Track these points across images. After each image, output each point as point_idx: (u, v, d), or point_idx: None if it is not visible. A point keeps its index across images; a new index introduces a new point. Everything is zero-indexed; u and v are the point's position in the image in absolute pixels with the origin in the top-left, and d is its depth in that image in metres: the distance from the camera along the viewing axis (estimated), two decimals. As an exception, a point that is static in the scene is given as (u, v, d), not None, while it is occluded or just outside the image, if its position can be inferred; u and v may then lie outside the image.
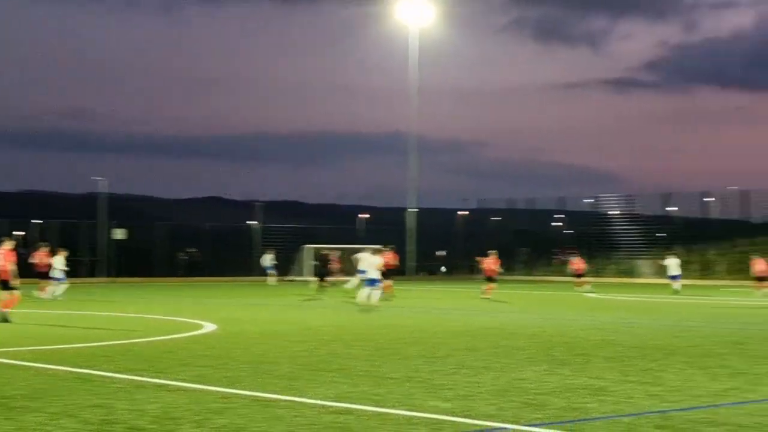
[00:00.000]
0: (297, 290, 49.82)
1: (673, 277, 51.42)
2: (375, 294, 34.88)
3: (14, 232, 78.47)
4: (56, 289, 40.89)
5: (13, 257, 27.66)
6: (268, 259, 65.57)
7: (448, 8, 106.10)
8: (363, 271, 37.18)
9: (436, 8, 71.43)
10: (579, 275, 54.33)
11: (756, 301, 41.39)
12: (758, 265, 48.23)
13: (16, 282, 27.37)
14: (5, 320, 26.52)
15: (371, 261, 35.84)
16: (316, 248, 60.13)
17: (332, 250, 51.23)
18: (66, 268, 41.79)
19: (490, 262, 43.67)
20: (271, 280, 63.97)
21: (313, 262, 47.38)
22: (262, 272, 74.59)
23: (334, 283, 46.09)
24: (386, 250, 44.56)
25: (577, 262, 55.30)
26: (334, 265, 49.08)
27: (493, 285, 42.84)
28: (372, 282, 35.02)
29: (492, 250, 44.79)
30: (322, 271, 44.84)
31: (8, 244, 27.89)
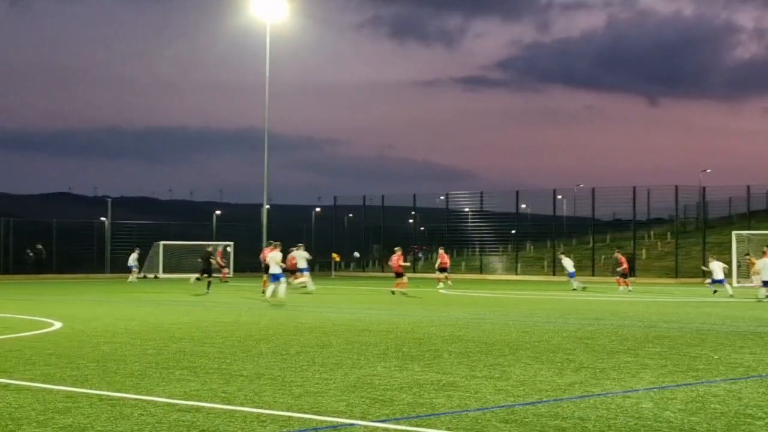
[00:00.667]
0: (150, 287, 49.20)
1: (571, 275, 53.43)
2: (281, 289, 35.76)
3: None
4: None
5: None
6: (132, 257, 65.41)
7: (304, 5, 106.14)
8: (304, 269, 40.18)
9: (292, 4, 71.20)
10: (443, 269, 54.72)
11: (607, 297, 42.34)
12: (624, 263, 52.06)
13: None
14: None
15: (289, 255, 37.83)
16: (205, 244, 59.18)
17: (215, 245, 51.19)
18: None
19: (397, 259, 44.90)
20: (132, 277, 63.66)
21: (199, 258, 47.09)
22: (115, 269, 73.73)
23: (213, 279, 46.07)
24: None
25: (443, 256, 55.51)
26: (218, 261, 48.84)
27: (404, 280, 44.30)
28: (276, 277, 35.94)
29: (397, 246, 47.16)
30: (205, 266, 44.90)
31: None
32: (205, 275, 44.43)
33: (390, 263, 46.78)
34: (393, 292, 43.92)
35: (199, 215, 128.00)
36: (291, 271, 44.00)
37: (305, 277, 44.97)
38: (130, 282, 60.93)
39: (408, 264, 51.05)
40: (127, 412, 11.45)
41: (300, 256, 44.91)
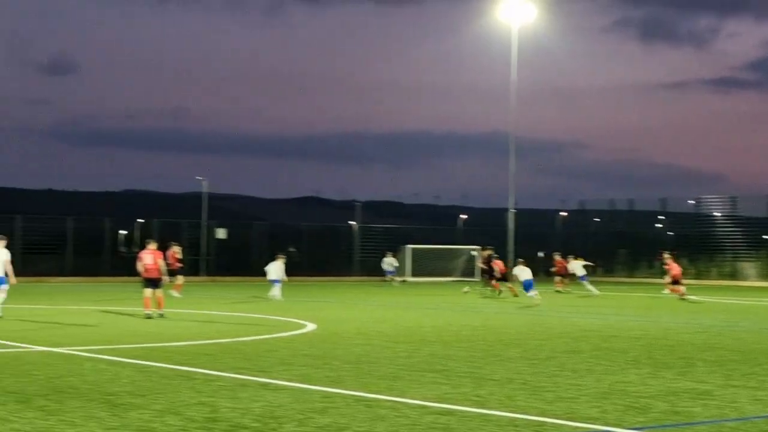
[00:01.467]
0: (398, 291, 49.88)
1: None
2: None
3: (120, 231, 79.94)
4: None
5: (161, 256, 29.68)
6: (388, 262, 65.48)
7: (551, 7, 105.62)
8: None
9: (539, 7, 71.01)
10: (675, 282, 53.17)
11: None
12: None
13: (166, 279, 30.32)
14: (161, 316, 27.98)
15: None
16: (480, 249, 59.39)
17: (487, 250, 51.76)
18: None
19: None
20: (395, 282, 64.03)
21: (480, 264, 47.59)
22: (362, 272, 74.92)
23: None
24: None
25: (672, 266, 53.81)
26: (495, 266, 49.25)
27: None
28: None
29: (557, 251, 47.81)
30: (487, 270, 45.60)
31: (153, 244, 29.31)
32: (490, 279, 45.08)
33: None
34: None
35: (443, 219, 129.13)
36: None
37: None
38: (393, 285, 61.23)
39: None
40: (383, 413, 11.65)
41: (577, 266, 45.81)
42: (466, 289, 48.22)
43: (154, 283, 28.56)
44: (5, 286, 27.96)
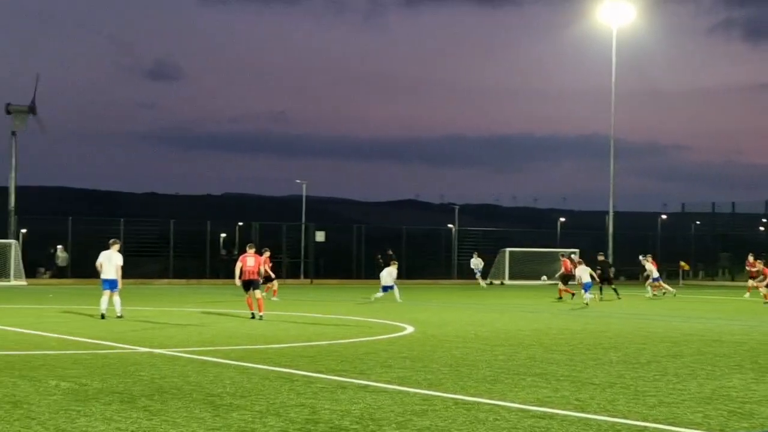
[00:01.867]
0: (498, 293, 49.75)
1: None
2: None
3: (221, 234, 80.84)
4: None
5: (260, 259, 30.75)
6: (474, 263, 65.22)
7: (652, 9, 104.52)
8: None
9: (639, 8, 70.41)
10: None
11: None
12: None
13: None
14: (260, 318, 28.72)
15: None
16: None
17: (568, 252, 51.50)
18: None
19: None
20: (481, 283, 63.91)
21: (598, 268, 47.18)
22: (460, 275, 74.81)
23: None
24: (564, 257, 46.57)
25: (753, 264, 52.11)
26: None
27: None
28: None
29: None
30: (604, 276, 45.46)
31: (252, 248, 30.54)
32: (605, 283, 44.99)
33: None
34: None
35: (542, 222, 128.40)
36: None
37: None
38: (482, 287, 61.37)
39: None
40: (482, 416, 11.63)
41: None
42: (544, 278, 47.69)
43: (252, 285, 29.35)
44: (111, 290, 28.98)
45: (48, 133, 67.36)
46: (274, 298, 40.20)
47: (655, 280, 49.59)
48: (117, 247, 29.62)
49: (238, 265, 29.80)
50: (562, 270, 46.34)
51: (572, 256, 52.02)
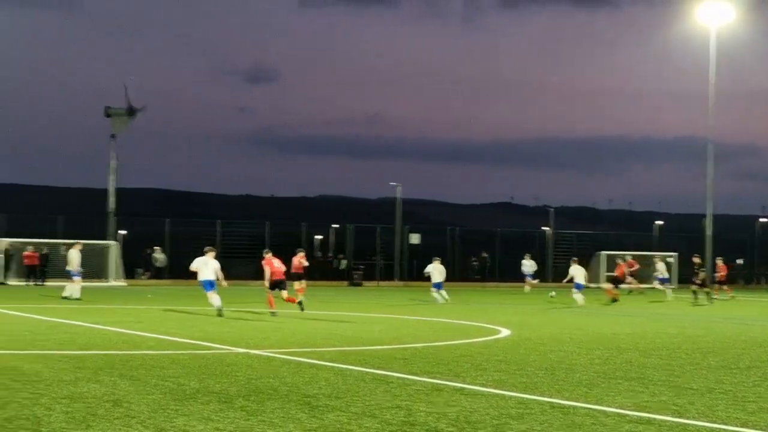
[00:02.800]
0: (594, 296, 49.26)
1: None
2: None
3: (315, 236, 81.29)
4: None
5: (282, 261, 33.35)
6: (528, 265, 60.83)
7: (752, 8, 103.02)
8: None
9: (739, 8, 69.35)
10: (720, 282, 50.32)
11: None
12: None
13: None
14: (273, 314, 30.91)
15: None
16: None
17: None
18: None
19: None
20: (529, 285, 59.71)
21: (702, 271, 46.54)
22: (555, 277, 74.25)
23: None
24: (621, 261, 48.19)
25: (721, 268, 50.63)
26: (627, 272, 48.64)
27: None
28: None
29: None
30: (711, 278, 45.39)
31: (269, 253, 33.34)
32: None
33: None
34: None
35: (638, 225, 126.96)
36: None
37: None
38: (524, 292, 58.51)
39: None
40: (579, 420, 11.53)
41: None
42: (552, 293, 46.59)
43: (280, 285, 32.07)
44: (213, 290, 30.90)
45: (142, 113, 67.31)
46: (300, 296, 40.67)
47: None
48: (213, 254, 31.58)
49: (267, 268, 32.28)
50: (617, 272, 46.46)
51: (627, 257, 52.18)
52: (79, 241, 40.29)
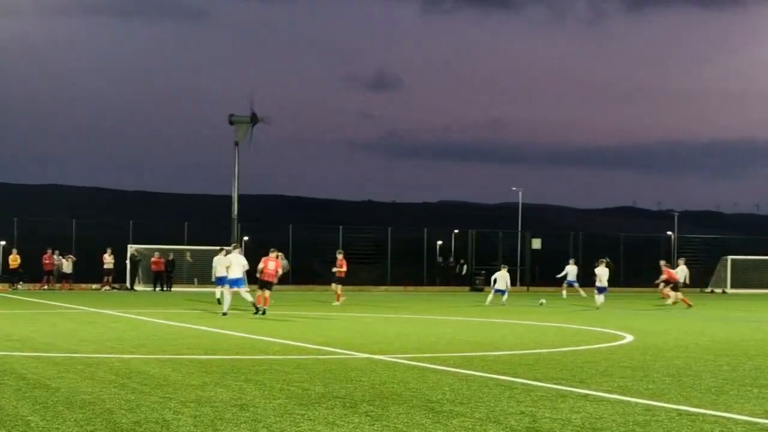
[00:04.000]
0: (720, 302, 48.57)
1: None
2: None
3: (438, 242, 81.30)
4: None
5: (279, 263, 34.56)
6: (572, 271, 55.39)
7: None
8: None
9: None
10: (668, 283, 47.58)
11: None
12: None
13: None
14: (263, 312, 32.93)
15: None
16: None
17: None
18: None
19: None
20: (565, 293, 54.73)
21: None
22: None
23: None
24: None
25: (668, 271, 48.04)
26: None
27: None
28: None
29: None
30: None
31: (275, 252, 34.65)
32: None
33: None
34: None
35: (765, 229, 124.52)
36: None
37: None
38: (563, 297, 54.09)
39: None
40: (707, 428, 11.35)
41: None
42: (542, 301, 45.36)
43: (268, 285, 33.73)
44: (244, 287, 33.93)
45: (257, 147, 68.18)
46: (336, 303, 41.33)
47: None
48: (239, 250, 34.66)
49: (260, 266, 33.96)
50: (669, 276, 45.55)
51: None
52: (224, 247, 39.05)
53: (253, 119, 66.20)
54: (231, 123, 66.56)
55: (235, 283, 33.59)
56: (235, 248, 35.06)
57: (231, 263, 33.94)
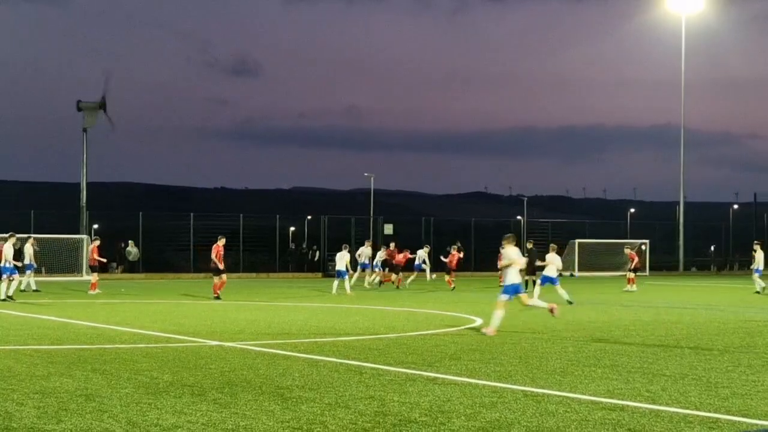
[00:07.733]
0: (569, 285, 49.35)
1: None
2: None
3: (291, 228, 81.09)
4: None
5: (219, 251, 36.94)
6: (420, 256, 53.13)
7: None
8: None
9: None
10: (635, 270, 48.62)
11: None
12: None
13: None
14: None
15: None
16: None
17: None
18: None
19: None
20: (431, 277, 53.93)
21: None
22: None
23: None
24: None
25: (633, 255, 49.28)
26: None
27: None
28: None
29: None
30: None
31: (222, 240, 37.41)
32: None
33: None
34: None
35: (612, 214, 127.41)
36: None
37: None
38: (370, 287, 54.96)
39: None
40: (552, 408, 11.55)
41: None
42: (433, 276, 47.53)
43: (218, 271, 36.56)
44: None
45: (116, 129, 67.55)
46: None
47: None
48: (13, 240, 35.58)
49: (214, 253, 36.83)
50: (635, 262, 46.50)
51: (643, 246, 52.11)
52: (15, 234, 37.82)
53: (102, 105, 65.07)
54: (79, 109, 65.34)
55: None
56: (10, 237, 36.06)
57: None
